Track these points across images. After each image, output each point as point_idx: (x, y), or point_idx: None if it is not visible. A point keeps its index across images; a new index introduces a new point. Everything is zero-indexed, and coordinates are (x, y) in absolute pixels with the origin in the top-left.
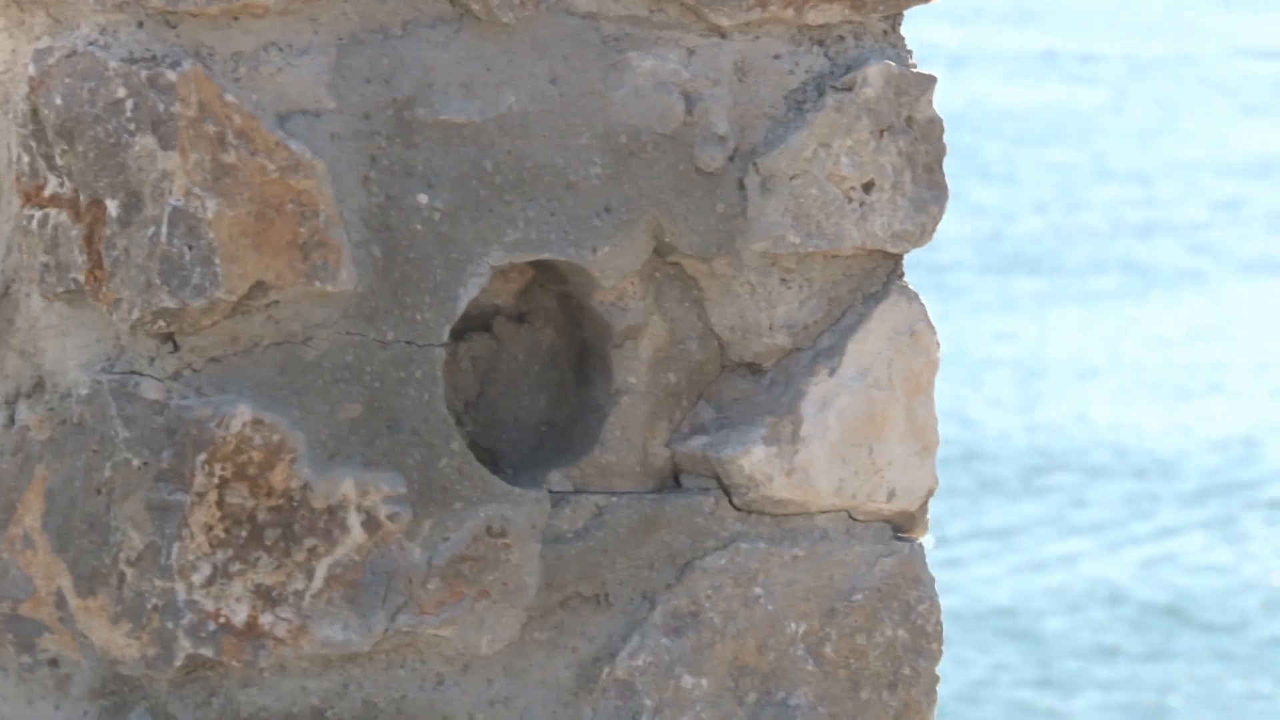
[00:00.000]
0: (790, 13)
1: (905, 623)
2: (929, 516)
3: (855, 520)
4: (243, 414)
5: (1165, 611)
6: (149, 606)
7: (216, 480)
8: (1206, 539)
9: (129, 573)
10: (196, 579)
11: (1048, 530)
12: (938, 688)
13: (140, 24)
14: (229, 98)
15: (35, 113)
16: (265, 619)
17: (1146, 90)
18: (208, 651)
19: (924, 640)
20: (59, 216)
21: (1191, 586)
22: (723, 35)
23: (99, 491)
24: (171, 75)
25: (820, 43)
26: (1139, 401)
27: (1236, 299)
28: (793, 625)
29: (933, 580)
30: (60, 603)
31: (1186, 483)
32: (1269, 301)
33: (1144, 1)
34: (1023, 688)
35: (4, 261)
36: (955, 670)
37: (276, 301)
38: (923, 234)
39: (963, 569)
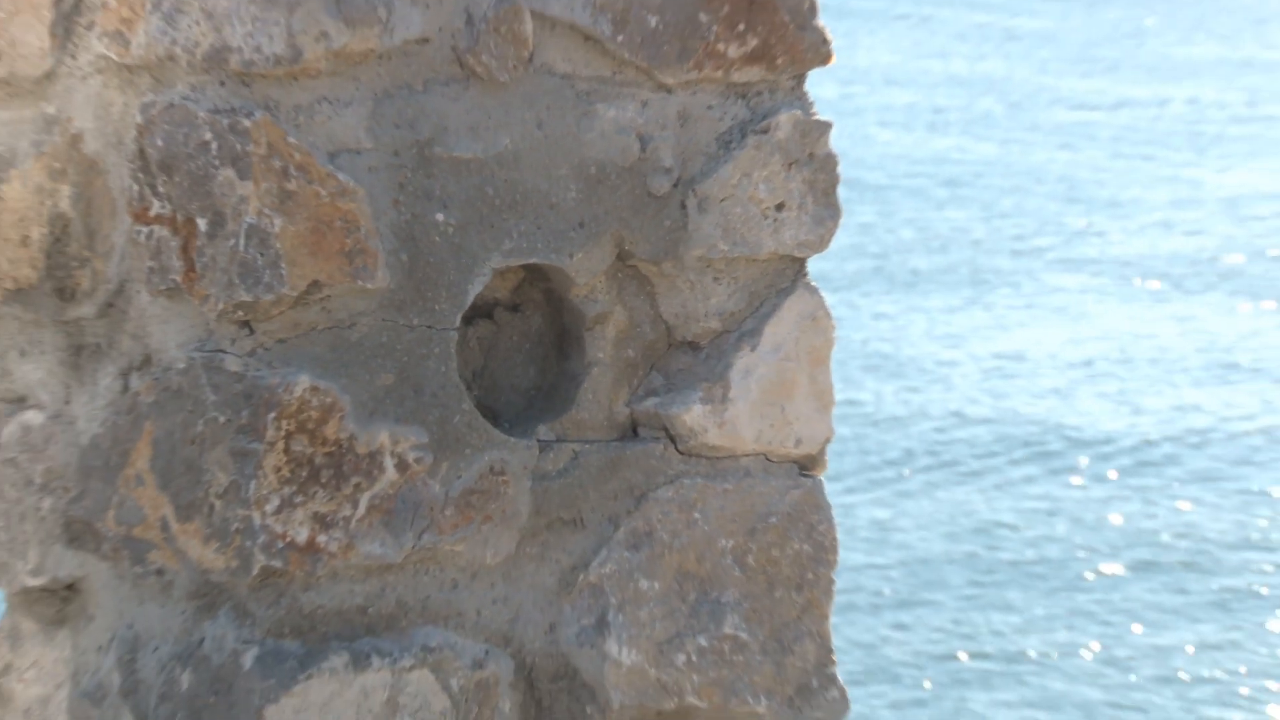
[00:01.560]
0: (720, 74)
1: (809, 539)
2: (826, 458)
3: (771, 461)
4: (303, 382)
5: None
6: (232, 529)
7: (283, 433)
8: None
9: (217, 504)
10: (268, 508)
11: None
12: (833, 588)
13: (222, 83)
14: (291, 139)
15: (142, 151)
16: (321, 538)
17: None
18: (277, 563)
19: (823, 552)
20: (161, 231)
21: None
22: (669, 91)
23: (193, 442)
24: (246, 122)
25: (743, 96)
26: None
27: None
28: (723, 541)
29: (829, 506)
30: (164, 526)
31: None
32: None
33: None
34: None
35: (119, 266)
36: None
37: (328, 296)
38: (821, 243)
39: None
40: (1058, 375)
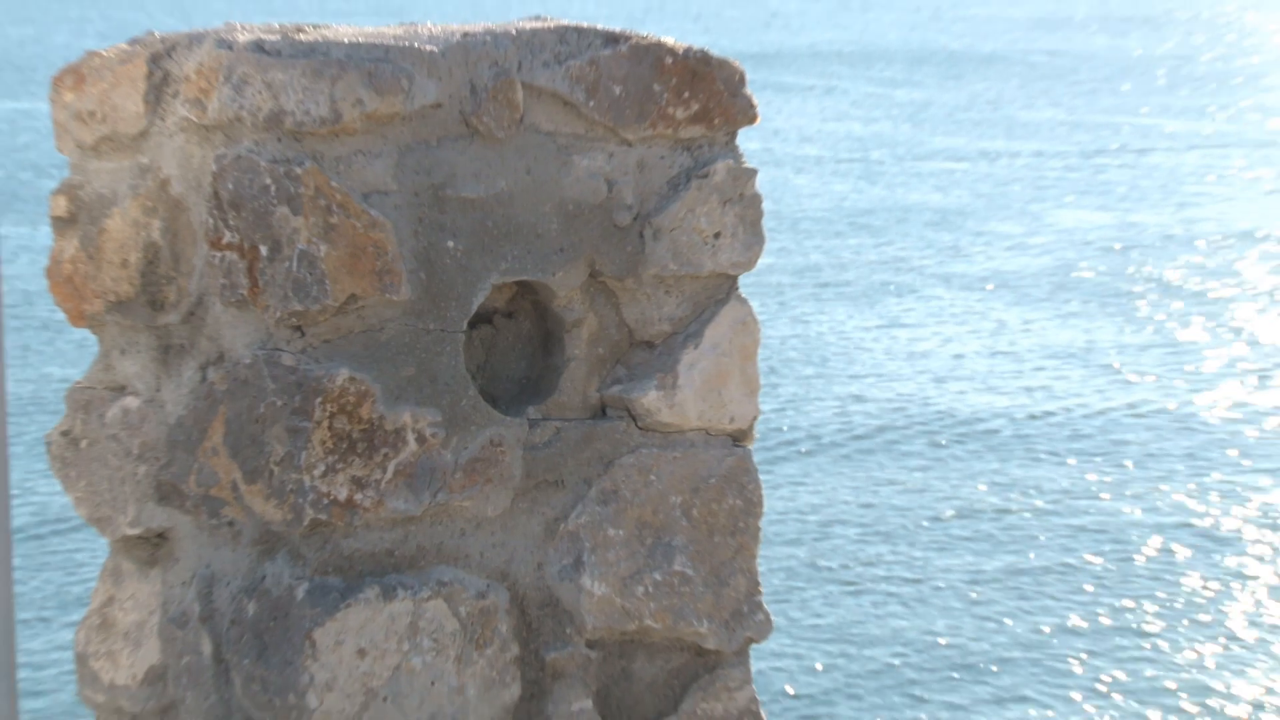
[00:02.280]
0: (670, 131)
1: (740, 496)
2: (755, 433)
3: (710, 435)
4: (343, 374)
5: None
6: (287, 490)
7: (327, 414)
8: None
9: (275, 470)
10: (316, 473)
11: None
12: (759, 534)
13: (279, 139)
14: (333, 183)
15: (216, 193)
16: (357, 496)
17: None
18: (323, 516)
19: (752, 506)
20: (231, 256)
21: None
22: (629, 145)
23: (256, 421)
24: (298, 170)
25: (688, 149)
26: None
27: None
28: (673, 498)
29: (756, 470)
30: (234, 488)
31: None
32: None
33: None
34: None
35: (198, 283)
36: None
37: (362, 306)
38: (750, 264)
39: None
40: (935, 366)
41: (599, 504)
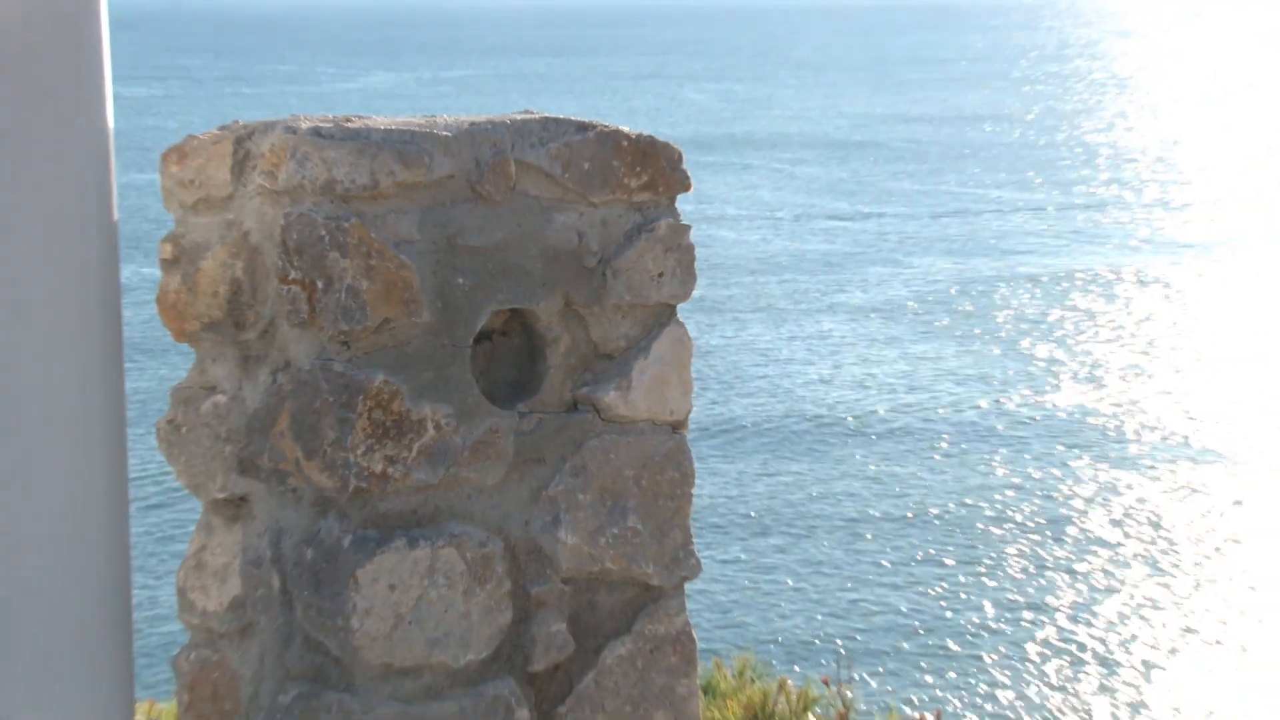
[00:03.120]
0: (625, 196)
1: (677, 470)
2: (689, 423)
3: (656, 424)
4: (379, 377)
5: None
6: (337, 465)
7: (367, 408)
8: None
9: (328, 450)
10: (358, 452)
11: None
12: (691, 499)
13: (332, 201)
14: (372, 234)
15: (284, 242)
16: (390, 470)
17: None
18: (364, 485)
19: (686, 478)
20: (295, 289)
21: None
22: (595, 206)
23: (314, 413)
24: (346, 225)
25: (639, 209)
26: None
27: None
28: (628, 471)
29: (690, 451)
30: (297, 463)
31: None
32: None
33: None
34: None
35: (270, 309)
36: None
37: (394, 327)
38: (686, 296)
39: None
40: (823, 371)
41: (571, 476)
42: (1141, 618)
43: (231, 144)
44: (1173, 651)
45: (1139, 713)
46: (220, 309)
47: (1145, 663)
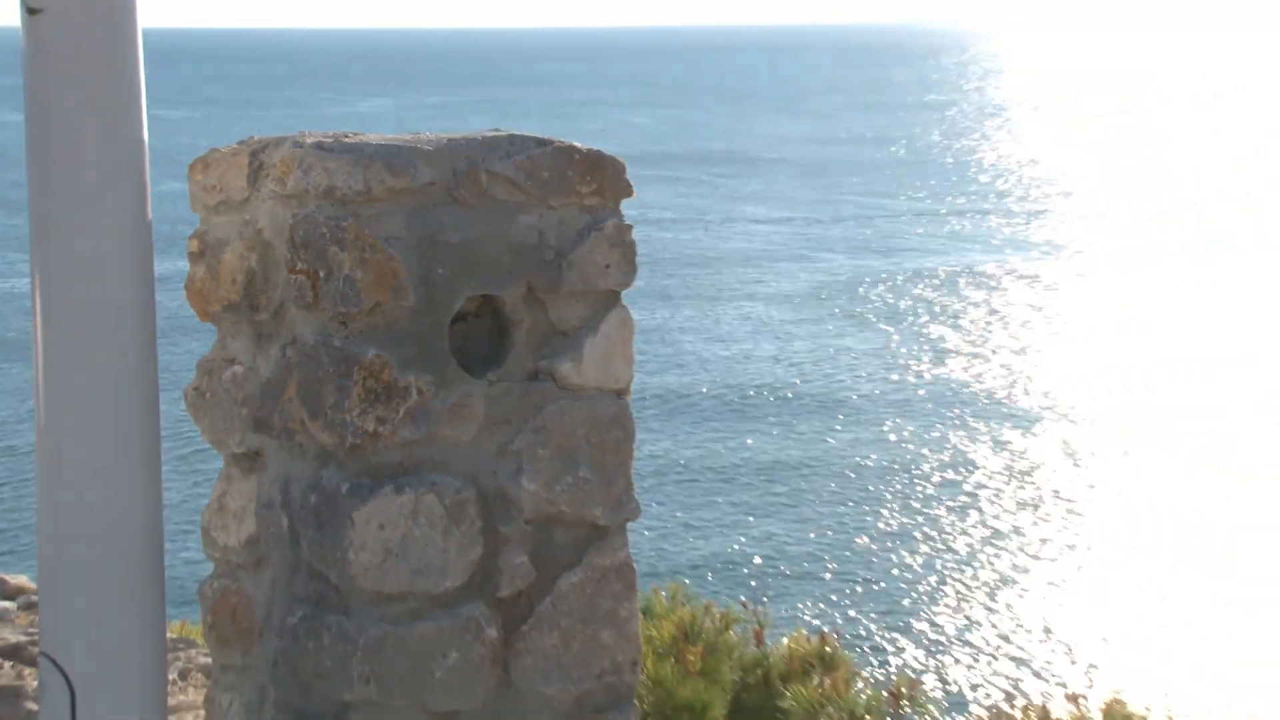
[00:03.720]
0: (578, 201)
1: (621, 429)
2: (631, 391)
3: (603, 391)
4: (371, 352)
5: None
6: (336, 425)
7: (362, 376)
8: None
9: (330, 411)
10: (354, 414)
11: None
12: (633, 454)
13: (331, 204)
14: (366, 231)
15: (292, 238)
16: (380, 429)
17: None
18: (358, 441)
19: (628, 436)
20: (301, 278)
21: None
22: (553, 209)
23: (317, 381)
24: (344, 224)
25: (590, 212)
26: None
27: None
28: (580, 430)
29: (631, 414)
30: (303, 423)
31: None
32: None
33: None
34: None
35: (280, 294)
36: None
37: (384, 309)
38: (628, 284)
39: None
40: (744, 348)
41: (533, 434)
42: (1002, 542)
43: (248, 156)
44: (1025, 570)
45: (1004, 617)
46: (238, 294)
47: (1010, 580)
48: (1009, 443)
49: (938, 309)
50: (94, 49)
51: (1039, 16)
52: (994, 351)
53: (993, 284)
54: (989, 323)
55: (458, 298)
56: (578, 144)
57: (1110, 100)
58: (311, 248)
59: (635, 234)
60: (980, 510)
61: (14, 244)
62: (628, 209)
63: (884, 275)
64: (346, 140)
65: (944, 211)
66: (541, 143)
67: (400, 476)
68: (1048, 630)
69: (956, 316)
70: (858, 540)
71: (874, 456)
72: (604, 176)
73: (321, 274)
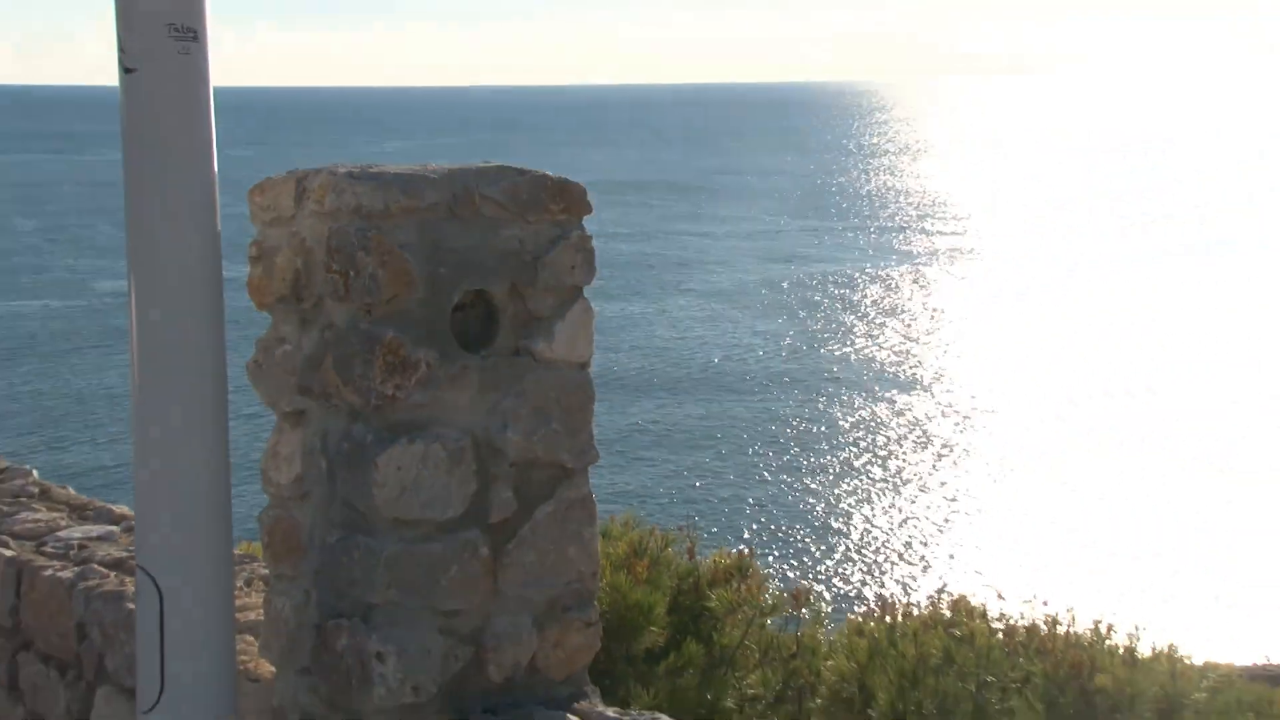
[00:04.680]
0: (549, 217)
1: (584, 394)
2: (592, 365)
3: (570, 364)
4: (390, 333)
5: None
6: (363, 389)
7: (383, 353)
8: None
9: (358, 380)
10: (377, 381)
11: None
12: (593, 414)
13: (359, 219)
14: (386, 240)
15: (329, 245)
16: (398, 394)
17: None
18: (380, 403)
19: (589, 399)
20: (335, 276)
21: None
22: (530, 223)
23: (349, 356)
24: (369, 234)
25: (559, 226)
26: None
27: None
28: (552, 394)
29: (593, 384)
30: (337, 389)
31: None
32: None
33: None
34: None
35: (320, 288)
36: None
37: (399, 300)
38: (590, 282)
39: None
40: (688, 333)
41: (515, 397)
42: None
43: (294, 182)
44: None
45: (898, 535)
46: (287, 289)
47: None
48: (916, 406)
49: (835, 304)
50: (176, 101)
51: (974, 64)
52: (891, 335)
53: (886, 284)
54: (885, 314)
55: (457, 291)
56: (549, 173)
57: (1020, 135)
58: (343, 253)
59: (594, 244)
60: (888, 459)
61: (118, 253)
62: (589, 224)
63: (789, 278)
64: (370, 170)
65: (836, 228)
66: (521, 172)
67: (413, 430)
68: None
69: (853, 310)
70: (773, 482)
71: (795, 422)
72: (570, 198)
73: (351, 273)
